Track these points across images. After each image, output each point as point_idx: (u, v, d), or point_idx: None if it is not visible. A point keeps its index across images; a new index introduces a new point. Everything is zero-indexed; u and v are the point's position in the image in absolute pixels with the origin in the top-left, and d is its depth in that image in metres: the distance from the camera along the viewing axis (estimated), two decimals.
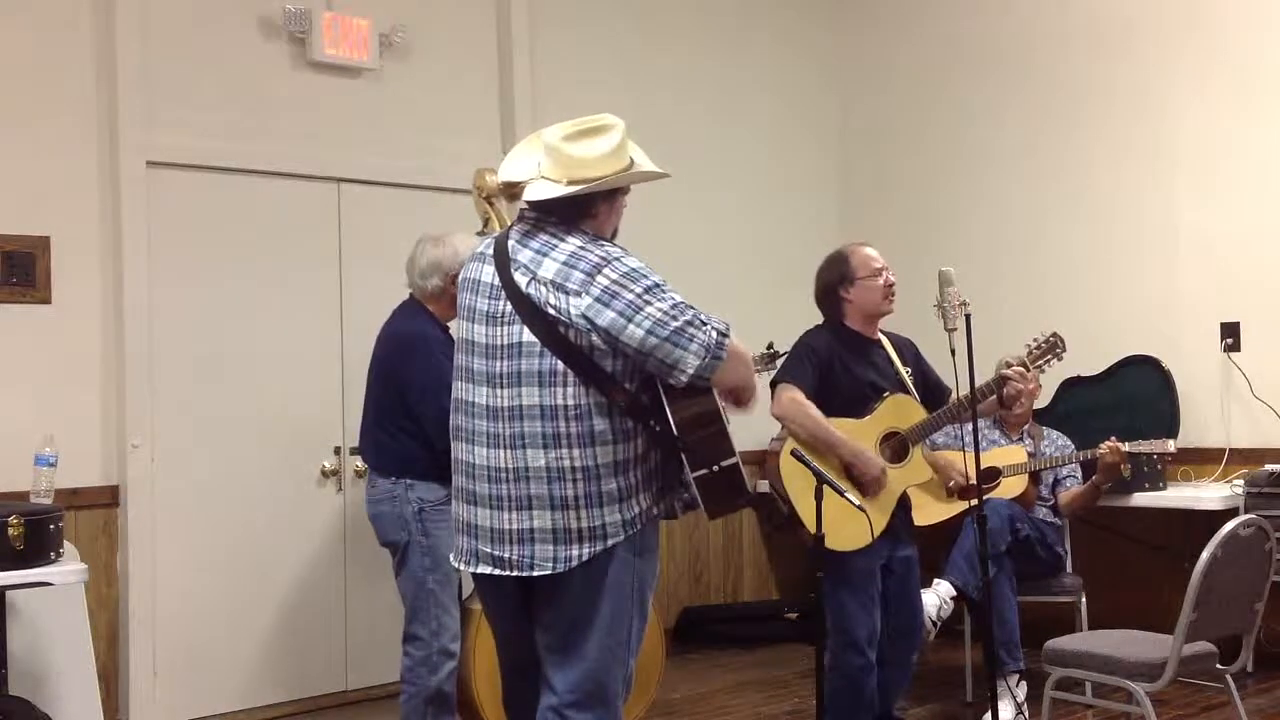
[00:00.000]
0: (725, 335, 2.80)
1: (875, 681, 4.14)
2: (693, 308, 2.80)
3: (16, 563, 3.59)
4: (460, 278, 3.05)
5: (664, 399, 2.82)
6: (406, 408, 4.07)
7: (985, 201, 6.59)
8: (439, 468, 3.89)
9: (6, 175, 4.73)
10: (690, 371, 2.76)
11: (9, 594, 3.74)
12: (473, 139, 5.76)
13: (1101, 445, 4.99)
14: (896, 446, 4.18)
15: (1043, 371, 4.45)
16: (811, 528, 3.83)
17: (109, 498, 4.87)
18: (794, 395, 4.07)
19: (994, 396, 4.25)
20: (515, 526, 2.84)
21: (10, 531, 3.57)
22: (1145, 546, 5.79)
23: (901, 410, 4.20)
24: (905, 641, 4.28)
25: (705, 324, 2.78)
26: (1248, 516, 3.69)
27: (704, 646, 6.30)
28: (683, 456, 2.82)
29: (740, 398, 2.98)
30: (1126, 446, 4.97)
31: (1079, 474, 5.25)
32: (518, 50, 5.94)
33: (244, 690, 5.16)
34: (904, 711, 4.60)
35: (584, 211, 2.92)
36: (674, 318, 2.76)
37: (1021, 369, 4.25)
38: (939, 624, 4.72)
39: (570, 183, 2.87)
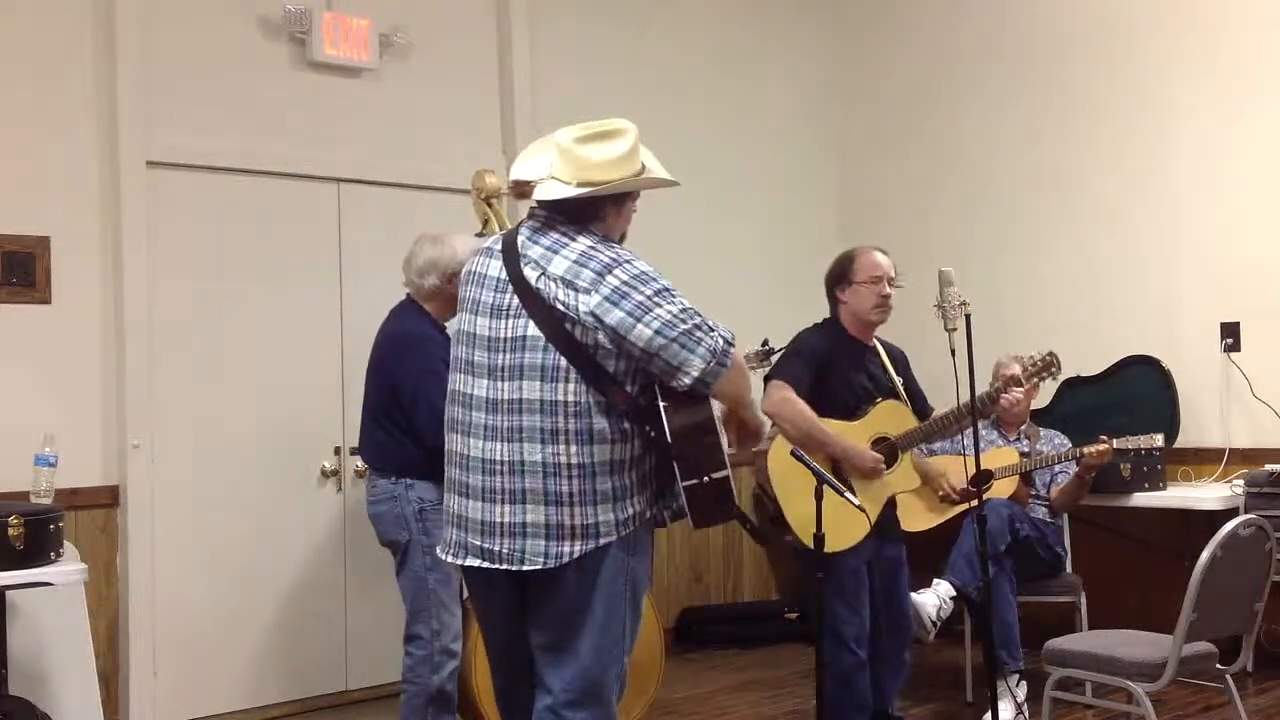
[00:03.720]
0: (731, 344, 2.83)
1: (868, 679, 4.16)
2: (700, 314, 2.82)
3: (16, 563, 3.59)
4: (464, 271, 3.05)
5: (661, 405, 2.82)
6: (402, 407, 4.07)
7: (985, 202, 6.59)
8: (437, 467, 3.89)
9: (6, 175, 4.73)
10: (694, 375, 2.78)
11: (9, 594, 3.73)
12: (473, 139, 5.76)
13: (1090, 447, 4.98)
14: (885, 452, 4.19)
15: (1036, 387, 4.52)
16: (798, 529, 3.83)
17: (109, 498, 4.87)
18: (786, 394, 4.08)
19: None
20: (508, 520, 2.84)
21: (10, 531, 3.57)
22: (1145, 546, 5.79)
23: (893, 416, 4.21)
24: (896, 638, 4.30)
25: (713, 330, 2.81)
26: (1248, 516, 3.69)
27: (704, 646, 6.29)
28: (674, 464, 2.83)
29: (743, 417, 2.98)
30: (1115, 443, 4.97)
31: (1073, 471, 5.24)
32: (518, 50, 5.94)
33: (244, 690, 5.16)
34: (904, 711, 4.61)
35: (592, 214, 2.93)
36: (683, 321, 2.78)
37: (1016, 385, 4.39)
38: (939, 624, 4.72)
39: (580, 184, 2.89)
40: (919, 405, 4.34)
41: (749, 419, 3.01)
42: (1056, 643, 3.90)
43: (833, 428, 4.10)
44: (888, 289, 4.20)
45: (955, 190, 6.70)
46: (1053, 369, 4.40)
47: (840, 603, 4.08)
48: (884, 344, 4.37)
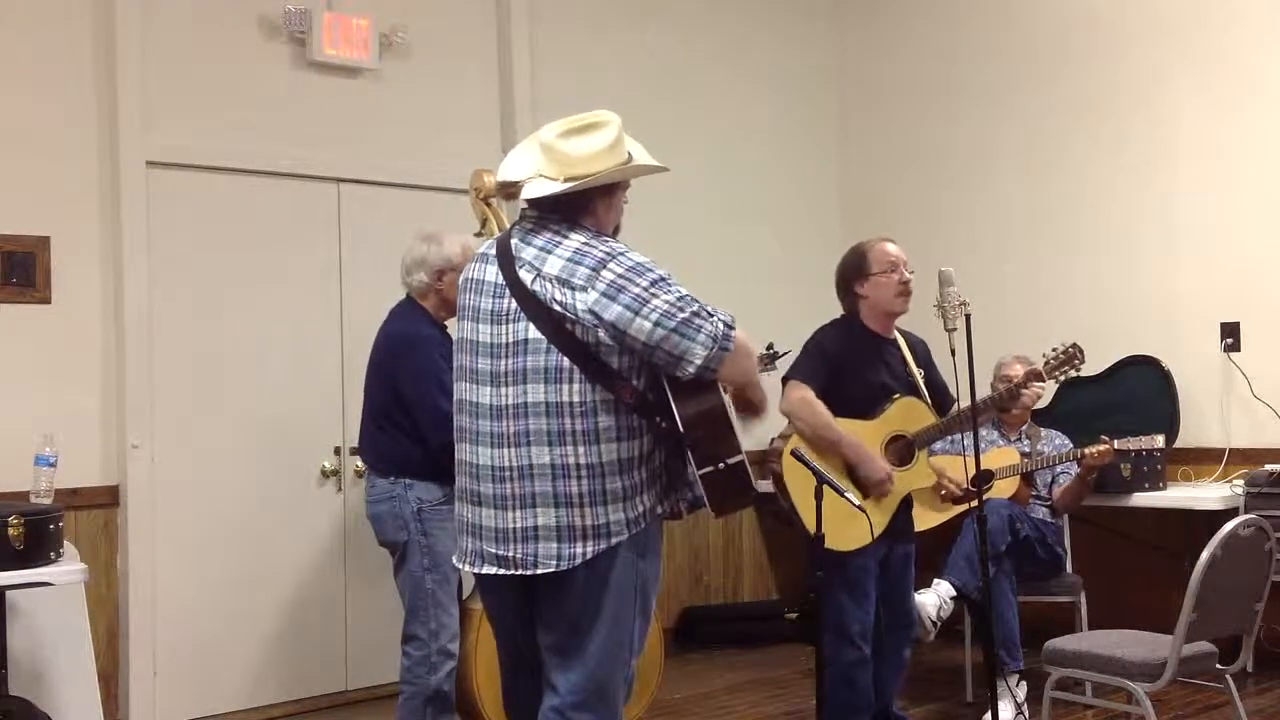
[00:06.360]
0: (731, 327, 2.81)
1: (870, 676, 4.16)
2: (698, 300, 2.80)
3: (16, 563, 3.58)
4: (461, 278, 3.04)
5: (670, 395, 2.81)
6: (402, 407, 4.07)
7: (985, 201, 6.59)
8: (437, 467, 3.89)
9: (6, 175, 4.73)
10: (698, 362, 2.76)
11: (9, 594, 3.73)
12: (473, 139, 5.76)
13: (1090, 448, 4.97)
14: (902, 449, 4.18)
15: (1058, 382, 4.38)
16: (810, 526, 3.82)
17: (109, 498, 4.88)
18: (804, 394, 4.07)
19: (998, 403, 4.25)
20: (520, 525, 2.83)
21: (10, 531, 3.57)
22: (1145, 546, 5.78)
23: (910, 413, 4.19)
24: (899, 636, 4.30)
25: (712, 315, 2.79)
26: (1248, 516, 3.69)
27: (704, 646, 6.29)
28: (688, 453, 2.82)
29: (750, 397, 2.98)
30: (1115, 444, 4.97)
31: (1074, 472, 5.24)
32: (517, 50, 5.95)
33: (244, 690, 5.16)
34: (905, 711, 4.60)
35: (583, 208, 2.91)
36: (681, 309, 2.76)
37: (1038, 380, 4.23)
38: (939, 624, 4.72)
39: (566, 180, 2.87)
40: (941, 398, 4.30)
41: (755, 397, 2.98)
42: (1056, 643, 3.90)
43: (849, 428, 4.09)
44: (907, 275, 4.19)
45: (955, 189, 6.70)
46: (1076, 361, 4.25)
47: (847, 597, 4.08)
48: (905, 335, 4.34)
